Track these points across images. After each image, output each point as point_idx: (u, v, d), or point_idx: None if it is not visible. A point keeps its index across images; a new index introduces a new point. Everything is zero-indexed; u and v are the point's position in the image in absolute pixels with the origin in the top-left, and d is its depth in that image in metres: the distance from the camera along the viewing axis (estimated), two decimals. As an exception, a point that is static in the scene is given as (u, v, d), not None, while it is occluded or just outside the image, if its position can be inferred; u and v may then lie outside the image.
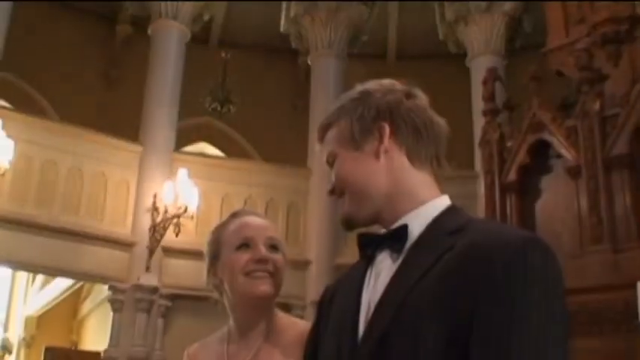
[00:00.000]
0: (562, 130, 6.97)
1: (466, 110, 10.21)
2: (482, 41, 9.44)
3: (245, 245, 1.86)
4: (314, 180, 8.97)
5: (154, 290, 7.86)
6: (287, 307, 7.67)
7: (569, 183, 6.94)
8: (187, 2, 8.92)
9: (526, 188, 7.13)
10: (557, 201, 7.00)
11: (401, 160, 1.46)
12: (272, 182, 8.96)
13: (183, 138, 10.23)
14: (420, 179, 1.48)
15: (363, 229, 1.50)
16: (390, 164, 1.46)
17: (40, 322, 13.55)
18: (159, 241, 7.85)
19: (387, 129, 1.44)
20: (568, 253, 6.91)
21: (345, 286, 1.56)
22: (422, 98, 1.52)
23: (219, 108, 10.54)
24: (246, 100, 10.93)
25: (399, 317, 1.35)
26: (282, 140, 11.89)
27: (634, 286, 6.17)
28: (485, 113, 7.50)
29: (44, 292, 12.76)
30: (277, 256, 1.87)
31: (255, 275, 1.83)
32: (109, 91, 12.16)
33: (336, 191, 1.51)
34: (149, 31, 9.17)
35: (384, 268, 1.45)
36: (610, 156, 6.49)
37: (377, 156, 1.45)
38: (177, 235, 7.67)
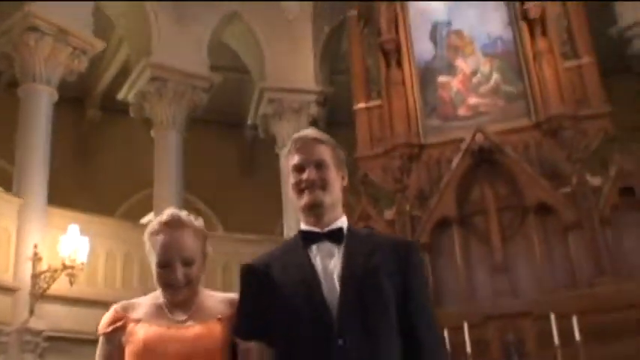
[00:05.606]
0: (383, 221, 9.87)
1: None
2: (291, 134, 11.78)
3: (165, 267, 2.29)
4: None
5: (39, 333, 8.68)
6: None
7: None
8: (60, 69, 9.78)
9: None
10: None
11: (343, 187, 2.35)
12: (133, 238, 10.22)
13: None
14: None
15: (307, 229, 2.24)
16: (342, 187, 2.34)
17: None
18: (45, 289, 8.71)
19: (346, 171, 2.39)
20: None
21: (285, 264, 2.21)
22: None
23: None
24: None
25: (366, 278, 2.14)
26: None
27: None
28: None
29: None
30: (189, 270, 2.30)
31: (170, 291, 2.30)
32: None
33: (318, 184, 2.24)
34: (18, 92, 9.73)
35: (330, 253, 2.20)
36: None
37: (343, 182, 2.34)
38: (71, 284, 8.67)
